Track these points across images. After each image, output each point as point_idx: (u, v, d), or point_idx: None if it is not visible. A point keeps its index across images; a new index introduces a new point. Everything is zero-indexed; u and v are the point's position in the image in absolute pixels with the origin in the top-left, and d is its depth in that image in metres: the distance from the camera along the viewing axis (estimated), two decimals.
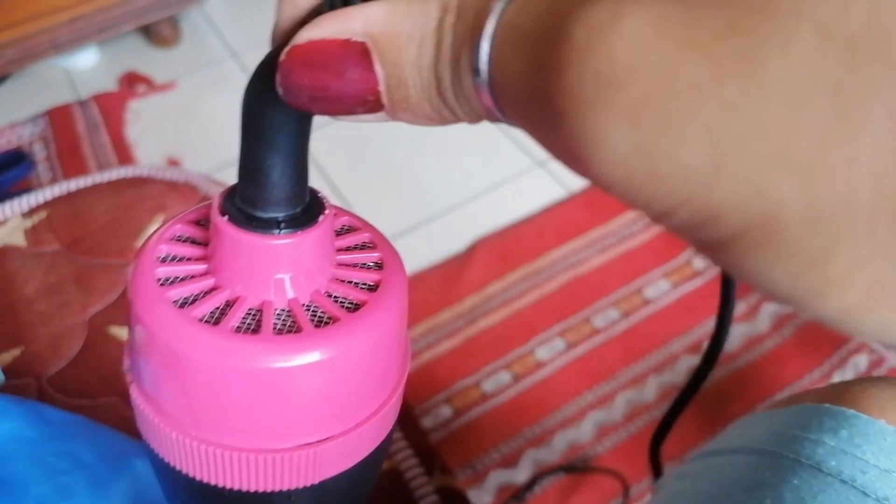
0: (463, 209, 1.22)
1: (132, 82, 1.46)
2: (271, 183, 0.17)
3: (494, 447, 0.95)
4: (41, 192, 0.67)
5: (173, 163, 1.29)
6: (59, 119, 1.39)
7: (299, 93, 0.15)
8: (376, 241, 0.21)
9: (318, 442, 0.18)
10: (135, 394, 0.19)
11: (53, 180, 1.29)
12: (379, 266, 0.20)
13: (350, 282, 0.19)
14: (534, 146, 1.30)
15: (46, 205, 0.67)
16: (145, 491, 0.40)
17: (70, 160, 1.32)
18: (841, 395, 0.40)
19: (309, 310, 0.18)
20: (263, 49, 0.17)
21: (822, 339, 1.01)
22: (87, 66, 1.51)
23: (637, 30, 0.10)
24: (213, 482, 0.19)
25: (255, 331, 0.17)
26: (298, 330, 0.17)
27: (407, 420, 0.59)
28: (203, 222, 0.20)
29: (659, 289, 1.09)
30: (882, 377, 0.42)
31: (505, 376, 1.01)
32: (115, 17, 1.40)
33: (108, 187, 0.67)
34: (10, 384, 0.56)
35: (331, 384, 0.17)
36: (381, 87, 0.14)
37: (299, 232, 0.17)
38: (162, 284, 0.18)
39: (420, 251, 1.16)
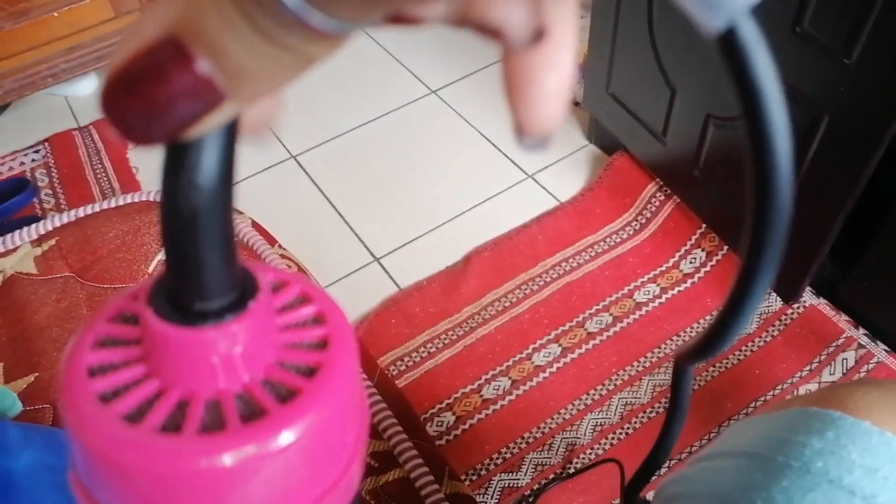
0: (457, 222, 1.25)
1: None
2: (194, 275, 0.16)
3: (496, 452, 0.98)
4: (49, 219, 0.70)
5: None
6: (60, 145, 1.42)
7: (133, 120, 0.13)
8: (325, 313, 0.19)
9: None
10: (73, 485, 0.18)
11: (56, 206, 1.32)
12: (320, 318, 0.19)
13: (297, 347, 0.18)
14: (525, 159, 1.33)
15: (55, 231, 0.70)
16: None
17: (73, 186, 1.35)
18: (828, 398, 0.41)
19: (239, 398, 0.17)
20: None
21: (810, 337, 1.04)
22: (87, 94, 1.54)
23: None
24: None
25: (177, 429, 0.16)
26: (264, 413, 0.16)
27: (415, 428, 0.61)
28: (123, 317, 0.19)
29: (649, 293, 1.12)
30: (870, 380, 0.44)
31: (504, 382, 1.04)
32: (113, 45, 1.43)
33: (115, 213, 0.70)
34: (25, 410, 0.58)
35: (262, 477, 0.16)
36: (206, 68, 0.12)
37: (227, 322, 0.16)
38: (92, 375, 0.17)
39: (417, 264, 1.19)
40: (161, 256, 0.67)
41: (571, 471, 0.94)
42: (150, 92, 0.13)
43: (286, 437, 0.16)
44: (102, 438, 0.16)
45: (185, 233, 0.16)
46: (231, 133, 0.15)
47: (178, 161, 0.15)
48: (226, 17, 0.12)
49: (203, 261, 0.16)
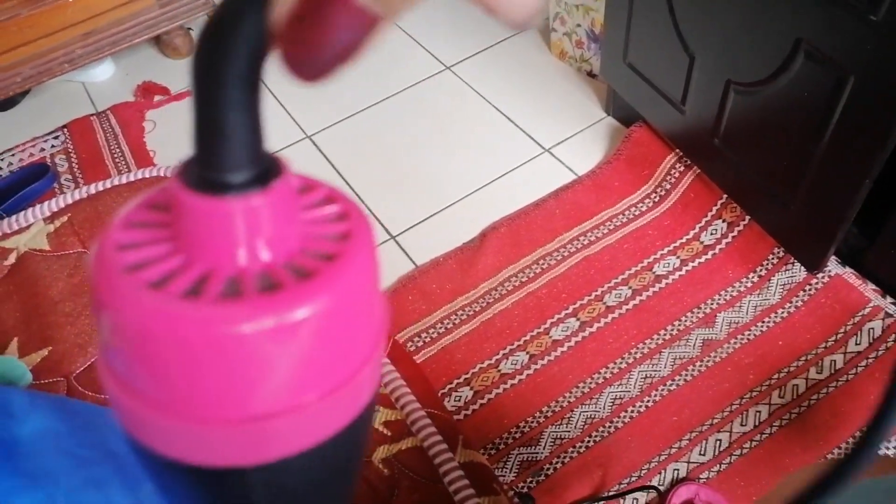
0: (473, 198, 1.24)
1: (148, 92, 1.50)
2: (221, 144, 0.17)
3: (515, 426, 0.97)
4: (62, 196, 0.71)
5: None
6: (78, 131, 1.43)
7: (310, 61, 0.15)
8: (334, 195, 0.20)
9: (268, 415, 0.17)
10: (111, 386, 0.19)
11: None
12: (344, 217, 0.19)
13: (318, 236, 0.19)
14: (542, 133, 1.31)
15: (68, 208, 0.70)
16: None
17: (92, 170, 1.36)
18: None
19: (259, 275, 0.17)
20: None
21: (835, 307, 1.02)
22: (104, 79, 1.55)
23: None
24: (172, 456, 0.18)
25: (197, 295, 0.17)
26: (281, 287, 0.17)
27: (429, 399, 0.61)
28: (155, 205, 0.20)
29: (669, 265, 1.10)
30: None
31: (522, 357, 1.03)
32: (127, 29, 1.44)
33: (127, 189, 0.70)
34: (39, 384, 0.59)
35: (274, 353, 0.17)
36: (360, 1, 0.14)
37: (249, 194, 0.17)
38: (121, 249, 0.18)
39: (434, 240, 1.18)
40: None
41: (610, 494, 0.91)
42: (320, 32, 0.14)
43: (301, 313, 0.16)
44: (125, 301, 0.17)
45: (214, 93, 0.16)
46: (263, 12, 0.16)
47: (217, 28, 0.16)
48: None
49: (228, 124, 0.16)
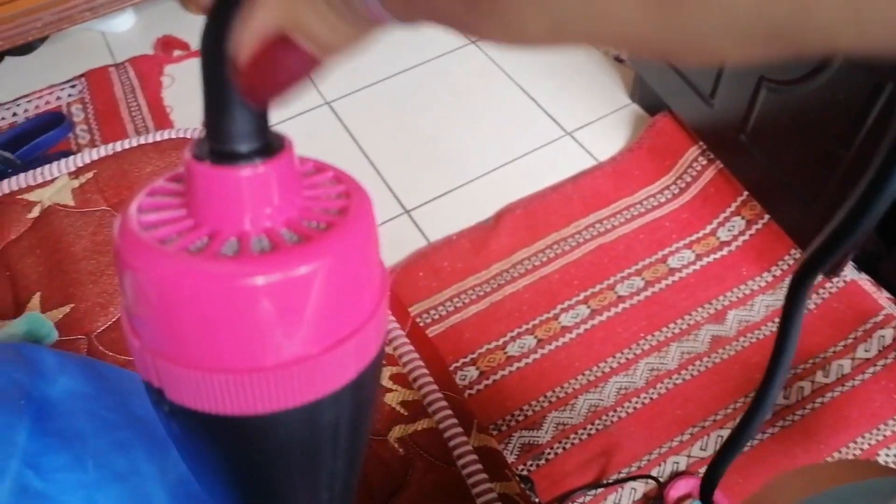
0: (491, 177, 1.23)
1: (168, 46, 1.48)
2: (233, 117, 0.18)
3: (518, 408, 0.98)
4: (87, 152, 0.70)
5: None
6: (96, 81, 1.41)
7: (261, 91, 0.18)
8: (341, 177, 0.22)
9: (303, 359, 0.19)
10: (132, 339, 0.20)
11: (91, 142, 1.32)
12: (346, 196, 0.21)
13: (318, 209, 0.20)
14: (564, 116, 1.30)
15: (93, 164, 0.70)
16: None
17: (107, 122, 1.35)
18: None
19: (282, 233, 0.19)
20: None
21: (847, 312, 1.02)
22: (124, 30, 1.53)
23: None
24: (203, 408, 0.20)
25: (237, 254, 0.18)
26: (276, 249, 0.19)
27: (445, 380, 0.61)
28: (177, 181, 0.22)
29: (683, 259, 1.10)
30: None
31: (529, 340, 1.03)
32: None
33: (152, 148, 0.69)
34: (60, 340, 0.59)
35: (313, 297, 0.18)
36: (307, 50, 0.17)
37: (253, 164, 0.19)
38: (145, 229, 0.19)
39: (449, 218, 1.17)
40: None
41: (609, 481, 0.92)
42: (272, 73, 0.17)
43: (295, 272, 0.18)
44: (139, 255, 0.18)
45: (221, 70, 0.18)
46: None
47: (222, 13, 0.18)
48: (318, 10, 0.16)
49: (234, 98, 0.18)
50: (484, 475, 0.54)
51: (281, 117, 1.34)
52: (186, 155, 0.19)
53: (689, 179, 1.16)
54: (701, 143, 1.17)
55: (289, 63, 0.17)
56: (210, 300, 0.18)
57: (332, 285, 0.19)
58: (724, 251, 1.10)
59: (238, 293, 0.18)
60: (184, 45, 1.48)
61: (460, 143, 1.29)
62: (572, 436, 0.95)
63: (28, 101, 1.39)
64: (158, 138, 0.70)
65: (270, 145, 0.19)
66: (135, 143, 0.69)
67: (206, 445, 0.22)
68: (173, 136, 0.69)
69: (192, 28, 1.52)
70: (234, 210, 0.19)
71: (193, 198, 0.19)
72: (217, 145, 0.19)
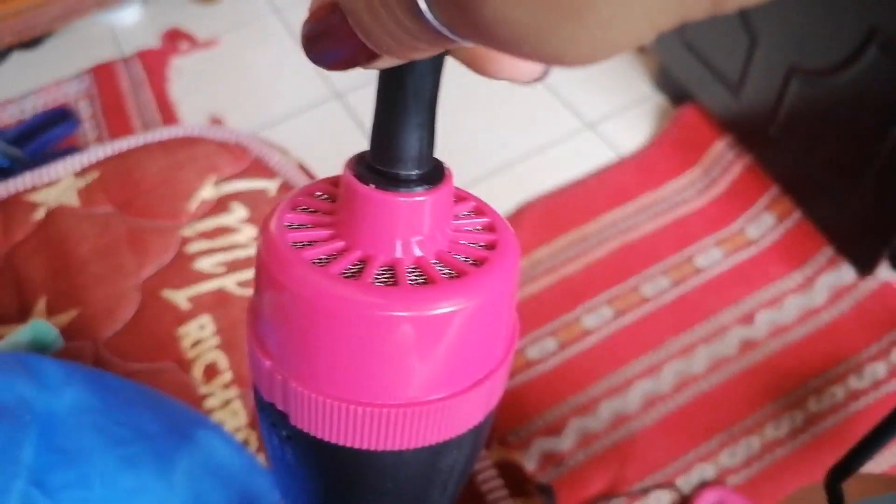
0: (511, 171, 1.20)
1: (175, 39, 1.45)
2: (406, 142, 0.18)
3: (539, 414, 0.95)
4: (93, 151, 0.67)
5: (216, 121, 1.28)
6: (103, 76, 1.39)
7: (325, 56, 0.17)
8: (483, 209, 0.21)
9: (441, 399, 0.19)
10: (261, 359, 0.20)
11: (99, 138, 1.30)
12: (491, 229, 0.20)
13: (466, 242, 0.20)
14: (585, 107, 1.26)
15: (98, 164, 0.67)
16: (208, 463, 0.39)
17: (115, 117, 1.32)
18: None
19: (437, 265, 0.19)
20: (306, 5, 0.17)
21: (883, 313, 0.97)
22: (131, 23, 1.50)
23: None
24: (333, 440, 0.19)
25: (393, 284, 0.18)
26: (432, 282, 0.18)
27: None
28: (319, 195, 0.21)
29: (711, 257, 1.05)
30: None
31: (550, 343, 1.00)
32: None
33: (158, 147, 0.66)
34: (66, 346, 0.56)
35: (466, 334, 0.18)
36: (361, 37, 0.15)
37: (415, 192, 0.18)
38: (294, 246, 0.19)
39: None
40: (203, 193, 0.63)
41: (633, 490, 0.88)
42: (327, 42, 0.16)
43: (450, 307, 0.17)
44: (292, 275, 0.18)
45: (397, 96, 0.17)
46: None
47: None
48: (370, 4, 0.14)
49: (406, 130, 0.18)
50: (504, 491, 0.52)
51: (291, 110, 1.31)
52: (347, 174, 0.19)
53: (716, 174, 1.12)
54: (729, 135, 1.12)
55: (342, 37, 0.16)
56: (362, 329, 0.17)
57: (480, 324, 0.19)
58: (753, 249, 1.05)
59: (393, 325, 0.17)
60: (190, 38, 1.45)
61: (478, 137, 1.25)
62: (595, 443, 0.92)
63: (35, 97, 1.36)
64: (164, 137, 0.67)
65: (433, 172, 0.19)
66: (140, 142, 0.66)
67: (317, 473, 0.21)
68: (179, 135, 0.66)
69: (198, 20, 1.48)
70: (388, 235, 0.18)
71: (347, 217, 0.19)
72: (384, 167, 0.18)
